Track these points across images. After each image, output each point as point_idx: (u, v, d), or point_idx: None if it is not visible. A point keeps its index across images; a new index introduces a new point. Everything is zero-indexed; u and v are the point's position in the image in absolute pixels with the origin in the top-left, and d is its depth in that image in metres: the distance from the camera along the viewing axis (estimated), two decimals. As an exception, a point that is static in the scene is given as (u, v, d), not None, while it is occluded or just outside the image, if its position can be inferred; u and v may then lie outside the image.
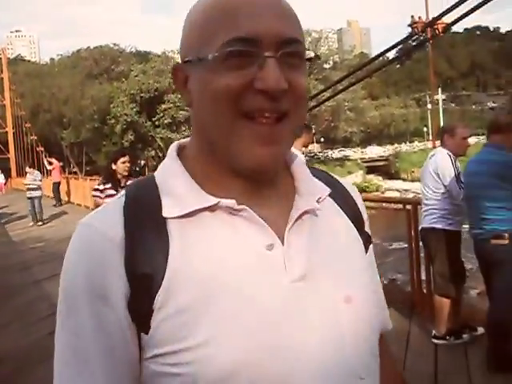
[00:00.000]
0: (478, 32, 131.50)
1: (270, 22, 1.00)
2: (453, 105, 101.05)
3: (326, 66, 65.39)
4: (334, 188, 1.20)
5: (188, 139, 1.19)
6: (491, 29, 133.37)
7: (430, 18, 9.23)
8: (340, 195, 1.23)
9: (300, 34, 1.06)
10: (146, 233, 1.02)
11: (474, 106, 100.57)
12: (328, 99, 10.88)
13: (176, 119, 59.51)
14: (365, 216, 1.28)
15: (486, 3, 6.81)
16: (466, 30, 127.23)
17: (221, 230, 1.04)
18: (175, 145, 1.19)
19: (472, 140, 5.74)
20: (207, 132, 1.05)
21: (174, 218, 1.04)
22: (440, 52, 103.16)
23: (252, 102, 0.99)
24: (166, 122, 59.82)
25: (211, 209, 1.05)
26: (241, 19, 0.99)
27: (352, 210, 1.24)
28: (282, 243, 1.06)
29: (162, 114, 60.05)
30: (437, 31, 8.54)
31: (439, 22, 8.53)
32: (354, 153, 76.09)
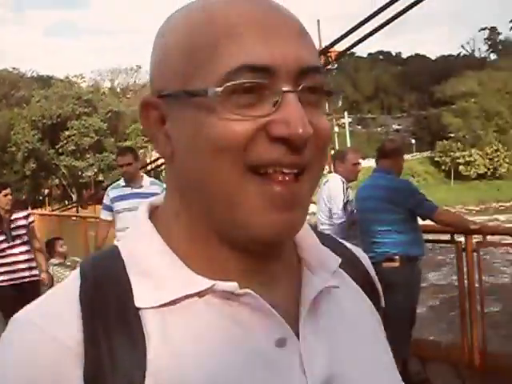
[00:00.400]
0: (381, 57, 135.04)
1: (287, 46, 0.77)
2: (359, 127, 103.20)
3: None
4: (341, 255, 0.94)
5: (159, 197, 0.92)
6: (393, 54, 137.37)
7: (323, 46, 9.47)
8: (350, 264, 0.98)
9: (319, 62, 0.83)
10: (113, 331, 0.75)
11: (379, 129, 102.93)
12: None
13: (80, 146, 58.64)
14: (380, 288, 1.05)
15: (373, 34, 7.02)
16: (369, 54, 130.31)
17: (215, 322, 0.79)
18: (146, 206, 0.91)
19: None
20: (199, 192, 0.79)
21: (152, 308, 0.78)
22: (345, 76, 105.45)
23: (266, 153, 0.76)
24: (69, 149, 58.88)
25: (201, 293, 0.79)
26: (249, 40, 0.75)
27: (365, 282, 1.00)
28: (297, 336, 0.82)
29: (65, 141, 59.11)
30: (330, 58, 8.75)
31: (331, 50, 8.76)
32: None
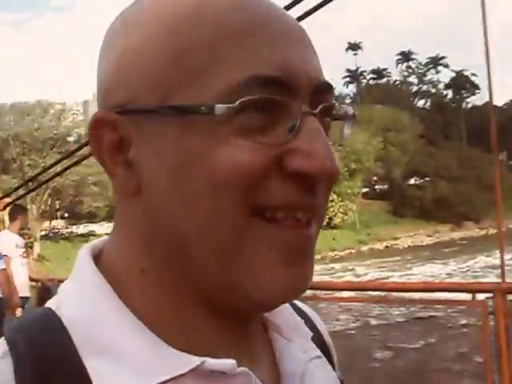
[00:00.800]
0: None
1: (301, 55, 0.62)
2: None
3: (70, 138, 64.13)
4: (300, 317, 0.78)
5: (102, 241, 0.72)
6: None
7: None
8: (308, 327, 0.79)
9: None
10: None
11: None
12: (59, 174, 10.30)
13: None
14: (335, 355, 0.86)
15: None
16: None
17: None
18: (88, 252, 0.69)
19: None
20: (182, 242, 0.60)
21: None
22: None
23: (279, 192, 0.59)
24: None
25: (183, 375, 0.60)
26: (258, 44, 0.59)
27: (323, 347, 0.82)
28: None
29: None
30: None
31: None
32: (99, 227, 75.21)
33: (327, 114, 0.64)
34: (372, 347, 9.71)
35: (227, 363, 0.61)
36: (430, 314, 10.19)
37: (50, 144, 59.62)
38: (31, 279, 8.33)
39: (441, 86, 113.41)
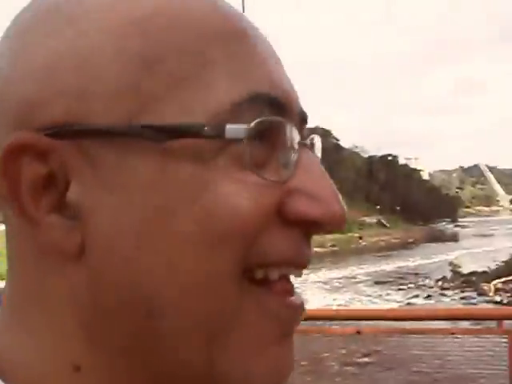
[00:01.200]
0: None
1: (287, 76, 0.49)
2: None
3: None
4: None
5: None
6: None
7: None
8: None
9: None
10: None
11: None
12: None
13: None
14: None
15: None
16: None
17: None
18: None
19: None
20: (151, 315, 0.42)
21: None
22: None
23: (275, 246, 0.44)
24: None
25: None
26: (251, 58, 0.45)
27: None
28: None
29: None
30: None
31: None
32: None
33: (312, 147, 0.50)
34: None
35: None
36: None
37: None
38: None
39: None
